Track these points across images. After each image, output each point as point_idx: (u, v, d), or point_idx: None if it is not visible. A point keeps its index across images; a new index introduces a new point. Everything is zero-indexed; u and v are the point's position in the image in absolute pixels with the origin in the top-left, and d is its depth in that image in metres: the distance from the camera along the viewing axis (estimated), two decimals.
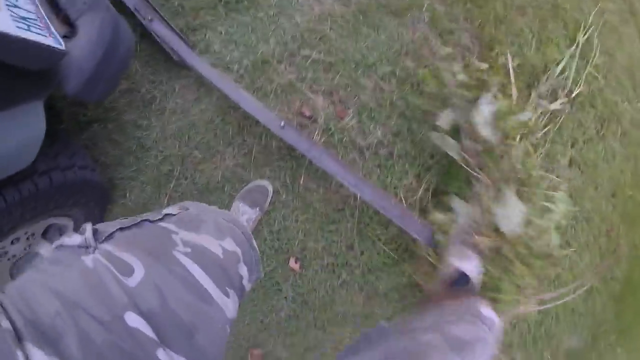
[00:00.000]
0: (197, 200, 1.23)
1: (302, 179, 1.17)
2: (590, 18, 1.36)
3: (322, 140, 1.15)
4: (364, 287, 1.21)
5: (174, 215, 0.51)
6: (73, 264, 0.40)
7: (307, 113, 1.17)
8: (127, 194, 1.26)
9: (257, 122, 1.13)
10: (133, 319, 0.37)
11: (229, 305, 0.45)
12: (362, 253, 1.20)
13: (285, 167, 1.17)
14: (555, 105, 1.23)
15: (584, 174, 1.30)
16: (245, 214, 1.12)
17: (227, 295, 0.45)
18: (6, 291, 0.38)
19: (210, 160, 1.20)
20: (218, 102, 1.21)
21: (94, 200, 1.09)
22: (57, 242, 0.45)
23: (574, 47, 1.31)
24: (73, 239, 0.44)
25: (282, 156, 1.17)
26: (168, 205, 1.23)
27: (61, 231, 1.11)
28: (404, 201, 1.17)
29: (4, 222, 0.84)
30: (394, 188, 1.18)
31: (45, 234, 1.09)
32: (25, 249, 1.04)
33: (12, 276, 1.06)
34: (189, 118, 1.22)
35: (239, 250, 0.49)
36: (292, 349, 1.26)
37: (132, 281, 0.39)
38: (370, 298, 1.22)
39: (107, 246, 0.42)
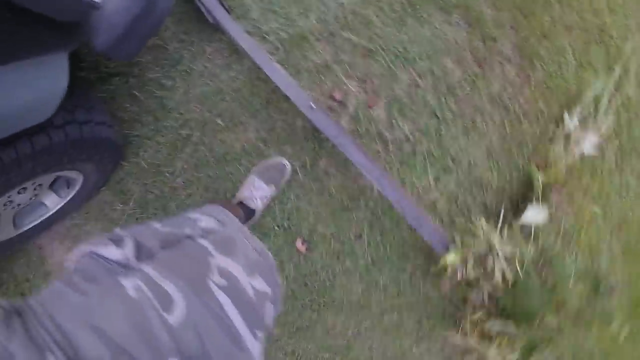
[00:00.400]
0: (212, 170, 1.20)
1: (323, 162, 1.14)
2: (632, 48, 1.33)
3: (349, 128, 1.12)
4: (365, 277, 1.21)
5: (210, 232, 0.51)
6: (113, 289, 0.37)
7: (338, 97, 1.13)
8: (141, 153, 1.22)
9: (286, 98, 1.09)
10: None
11: (257, 348, 0.44)
12: (369, 244, 1.19)
13: (308, 148, 1.14)
14: (585, 149, 1.20)
15: (596, 204, 1.29)
16: (260, 189, 1.09)
17: (256, 337, 0.44)
18: (38, 314, 0.34)
19: (231, 130, 1.16)
20: (248, 71, 1.15)
21: (108, 157, 1.05)
22: (89, 248, 0.42)
23: (610, 76, 1.28)
24: (110, 251, 0.41)
25: (306, 137, 1.14)
26: (182, 170, 1.19)
27: (69, 183, 1.07)
28: (418, 200, 1.16)
29: (13, 175, 0.78)
30: (411, 185, 1.16)
31: (52, 185, 1.05)
32: (30, 198, 1.00)
33: (15, 223, 1.02)
34: (215, 84, 1.17)
35: (269, 290, 0.48)
36: (284, 327, 1.26)
37: (174, 318, 0.37)
38: (369, 289, 1.22)
39: (147, 269, 0.40)
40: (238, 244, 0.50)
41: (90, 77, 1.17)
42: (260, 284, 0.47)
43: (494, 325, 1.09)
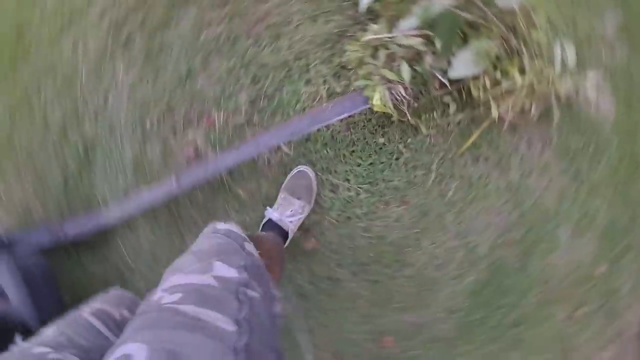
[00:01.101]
0: None
1: (241, 191, 1.08)
2: None
3: (217, 153, 1.09)
4: (382, 197, 1.04)
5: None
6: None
7: (191, 152, 1.12)
8: None
9: (168, 204, 1.11)
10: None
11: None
12: (347, 181, 1.04)
13: (222, 202, 1.10)
14: None
15: None
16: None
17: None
18: None
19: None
20: (144, 218, 1.19)
21: None
22: None
23: None
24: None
25: (212, 198, 1.11)
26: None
27: None
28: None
29: None
30: (303, 109, 1.05)
31: None
32: None
33: None
34: (145, 251, 1.21)
35: (126, 312, 0.64)
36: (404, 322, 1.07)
37: (42, 338, 0.52)
38: (405, 203, 1.04)
39: None
40: (106, 297, 0.67)
41: None
42: (126, 313, 0.64)
43: None
